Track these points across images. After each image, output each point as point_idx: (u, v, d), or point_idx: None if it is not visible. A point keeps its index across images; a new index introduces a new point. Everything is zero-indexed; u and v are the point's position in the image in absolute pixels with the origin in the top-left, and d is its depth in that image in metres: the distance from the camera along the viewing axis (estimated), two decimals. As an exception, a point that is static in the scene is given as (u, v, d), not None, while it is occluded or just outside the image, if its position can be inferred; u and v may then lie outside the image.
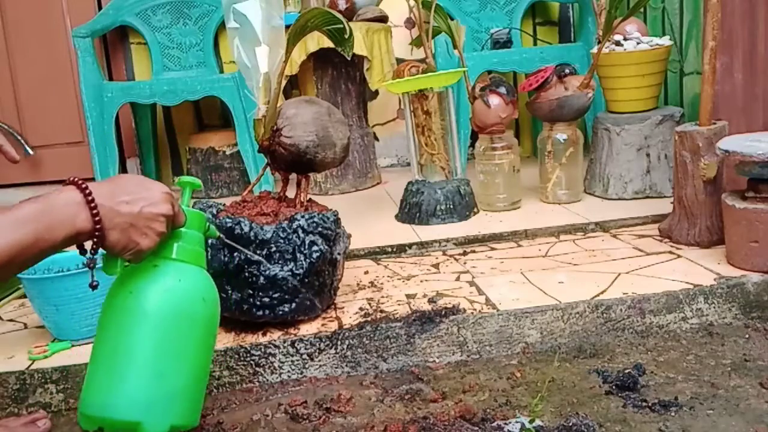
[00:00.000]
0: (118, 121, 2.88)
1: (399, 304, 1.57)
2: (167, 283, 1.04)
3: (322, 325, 1.48)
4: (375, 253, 1.99)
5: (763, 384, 1.24)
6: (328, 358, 1.43)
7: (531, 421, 1.15)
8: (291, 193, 1.61)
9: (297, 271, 1.44)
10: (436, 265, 1.86)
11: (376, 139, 3.21)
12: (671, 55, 2.27)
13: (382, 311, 1.53)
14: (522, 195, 2.33)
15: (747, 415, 1.15)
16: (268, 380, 1.42)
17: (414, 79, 2.20)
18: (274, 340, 1.43)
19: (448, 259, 1.90)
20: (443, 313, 1.47)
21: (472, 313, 1.48)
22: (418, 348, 1.44)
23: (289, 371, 1.42)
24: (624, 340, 1.47)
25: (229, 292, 1.44)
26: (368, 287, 1.72)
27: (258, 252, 1.43)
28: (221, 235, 1.18)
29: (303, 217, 1.46)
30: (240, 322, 1.49)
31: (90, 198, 0.90)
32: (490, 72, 2.79)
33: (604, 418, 1.18)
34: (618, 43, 2.22)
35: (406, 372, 1.42)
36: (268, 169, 1.63)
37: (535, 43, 3.27)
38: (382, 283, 1.74)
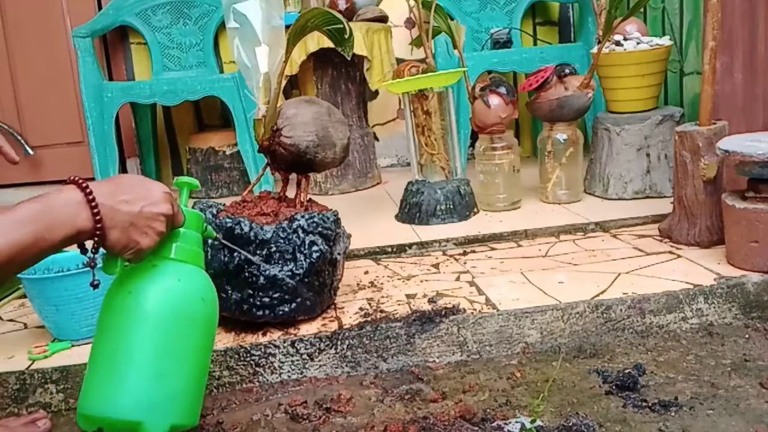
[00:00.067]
0: (118, 121, 2.88)
1: (399, 304, 1.57)
2: (167, 283, 1.04)
3: (322, 325, 1.48)
4: (375, 253, 1.99)
5: (763, 384, 1.24)
6: (328, 358, 1.43)
7: (532, 421, 1.15)
8: (291, 193, 1.61)
9: (297, 271, 1.44)
10: (436, 265, 1.86)
11: (376, 139, 3.21)
12: (671, 55, 2.27)
13: (382, 311, 1.53)
14: (522, 195, 2.34)
15: (747, 415, 1.15)
16: (268, 380, 1.42)
17: (414, 79, 2.20)
18: (274, 340, 1.43)
19: (448, 259, 1.90)
20: (443, 313, 1.47)
21: (472, 313, 1.48)
22: (418, 348, 1.44)
23: (289, 371, 1.42)
24: (624, 340, 1.47)
25: (229, 292, 1.44)
26: (368, 287, 1.72)
27: (258, 252, 1.43)
28: (218, 236, 1.18)
29: (303, 217, 1.46)
30: (240, 322, 1.49)
31: (91, 197, 0.90)
32: (490, 72, 2.79)
33: (604, 418, 1.18)
34: (618, 43, 2.22)
35: (406, 372, 1.42)
36: (268, 169, 1.63)
37: (535, 43, 3.27)
38: (382, 283, 1.74)
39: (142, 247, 0.96)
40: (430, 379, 1.37)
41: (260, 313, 1.44)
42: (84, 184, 0.91)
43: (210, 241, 1.44)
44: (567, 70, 2.21)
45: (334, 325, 1.47)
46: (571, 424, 1.12)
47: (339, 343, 1.43)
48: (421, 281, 1.73)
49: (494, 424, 1.17)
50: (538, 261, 1.81)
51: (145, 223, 0.96)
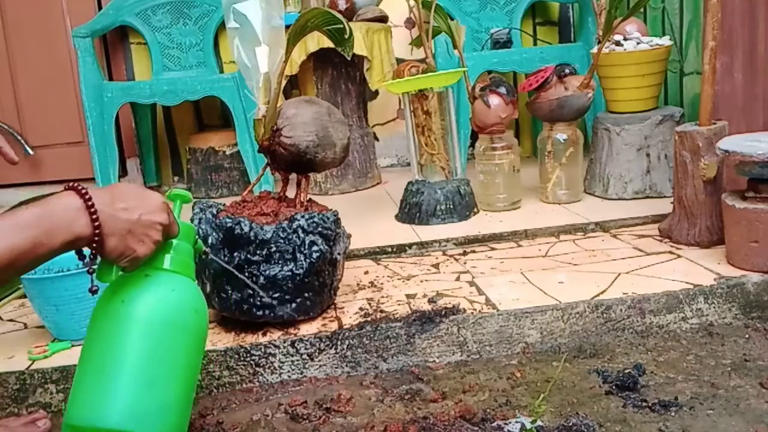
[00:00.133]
0: (118, 121, 2.88)
1: (399, 304, 1.57)
2: (160, 293, 1.03)
3: (322, 325, 1.48)
4: (375, 253, 1.99)
5: (763, 384, 1.24)
6: (328, 358, 1.43)
7: (532, 422, 1.15)
8: (291, 193, 1.61)
9: (297, 271, 1.44)
10: (436, 265, 1.86)
11: (376, 139, 3.21)
12: (671, 55, 2.27)
13: (382, 311, 1.53)
14: (522, 195, 2.33)
15: (747, 415, 1.15)
16: (268, 380, 1.42)
17: (414, 79, 2.20)
18: (274, 340, 1.43)
19: (448, 259, 1.90)
20: (443, 313, 1.47)
21: (472, 313, 1.48)
22: (418, 348, 1.44)
23: (289, 371, 1.42)
24: (624, 340, 1.47)
25: (229, 292, 1.44)
26: (368, 287, 1.72)
27: (258, 252, 1.43)
28: (207, 250, 1.18)
29: (303, 217, 1.46)
30: (240, 322, 1.49)
31: (90, 203, 0.90)
32: (490, 72, 2.79)
33: (604, 418, 1.18)
34: (618, 43, 2.22)
35: (406, 372, 1.42)
36: (268, 169, 1.63)
37: (535, 43, 3.27)
38: (382, 283, 1.74)
39: (138, 255, 0.96)
40: (430, 379, 1.37)
41: (260, 313, 1.44)
42: (83, 191, 0.91)
43: (210, 240, 1.44)
44: (567, 70, 2.21)
45: (334, 325, 1.47)
46: (571, 424, 1.12)
47: (339, 343, 1.43)
48: (421, 281, 1.73)
49: (494, 424, 1.17)
50: (538, 261, 1.81)
51: (143, 231, 0.96)
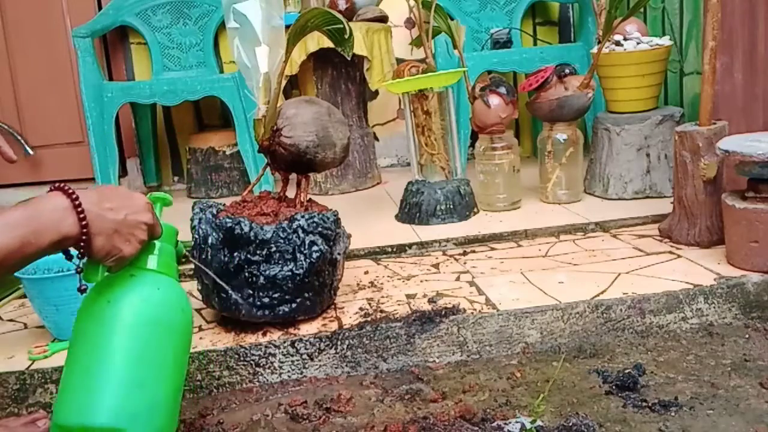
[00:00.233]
0: (118, 121, 2.87)
1: (399, 304, 1.57)
2: (145, 292, 1.04)
3: (322, 325, 1.48)
4: (375, 253, 1.99)
5: (763, 384, 1.24)
6: (328, 358, 1.43)
7: (532, 422, 1.15)
8: (291, 193, 1.61)
9: (297, 271, 1.44)
10: (436, 265, 1.86)
11: (376, 139, 3.21)
12: (671, 55, 2.27)
13: (382, 311, 1.53)
14: (522, 195, 2.33)
15: (747, 415, 1.15)
16: (268, 380, 1.42)
17: (414, 79, 2.20)
18: (274, 340, 1.43)
19: (448, 259, 1.90)
20: (443, 313, 1.47)
21: (472, 313, 1.48)
22: (418, 348, 1.44)
23: (289, 371, 1.42)
24: (624, 340, 1.47)
25: (229, 292, 1.44)
26: (368, 287, 1.72)
27: (258, 252, 1.43)
28: (187, 252, 1.19)
29: (303, 217, 1.46)
30: (240, 322, 1.49)
31: (77, 203, 0.91)
32: (490, 72, 2.79)
33: (604, 418, 1.18)
34: (618, 43, 2.22)
35: (406, 372, 1.42)
36: (268, 169, 1.63)
37: (535, 43, 3.27)
38: (382, 283, 1.74)
39: (125, 255, 0.97)
40: (430, 379, 1.37)
41: (260, 313, 1.44)
42: (70, 191, 0.92)
43: (210, 240, 1.44)
44: (567, 70, 2.21)
45: (334, 325, 1.47)
46: (571, 424, 1.12)
47: (339, 343, 1.43)
48: (421, 281, 1.73)
49: (494, 424, 1.17)
50: (538, 261, 1.81)
51: (129, 230, 0.97)
